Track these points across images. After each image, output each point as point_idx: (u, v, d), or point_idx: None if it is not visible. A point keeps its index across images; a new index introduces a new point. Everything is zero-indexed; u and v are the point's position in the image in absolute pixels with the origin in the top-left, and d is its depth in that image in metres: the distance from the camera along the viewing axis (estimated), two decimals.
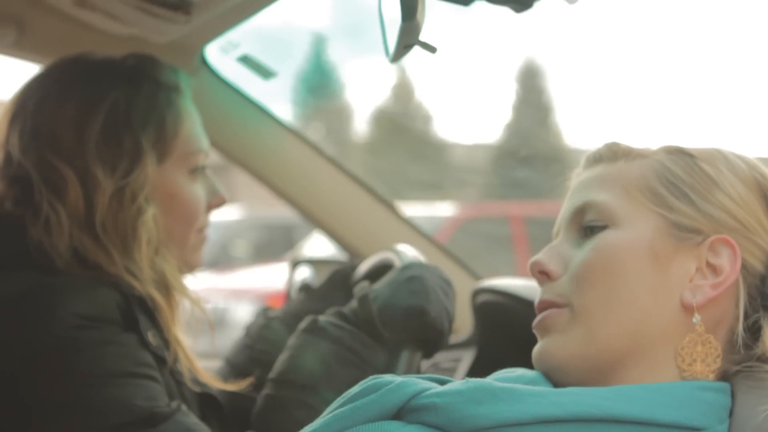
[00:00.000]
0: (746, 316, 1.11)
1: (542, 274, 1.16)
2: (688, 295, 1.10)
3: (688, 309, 1.10)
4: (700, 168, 1.15)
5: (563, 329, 1.12)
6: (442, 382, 1.13)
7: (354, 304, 1.57)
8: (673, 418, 1.03)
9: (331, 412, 1.11)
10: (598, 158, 1.20)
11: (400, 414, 1.07)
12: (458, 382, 1.10)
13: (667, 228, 1.12)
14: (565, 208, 1.21)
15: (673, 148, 1.17)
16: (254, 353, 1.80)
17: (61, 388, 1.39)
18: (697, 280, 1.11)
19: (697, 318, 1.10)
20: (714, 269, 1.11)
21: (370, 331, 1.53)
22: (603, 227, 1.13)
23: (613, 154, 1.19)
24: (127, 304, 1.48)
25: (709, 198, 1.13)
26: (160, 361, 1.50)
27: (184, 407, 1.46)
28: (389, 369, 1.53)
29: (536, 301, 1.17)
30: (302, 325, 1.58)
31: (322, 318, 1.57)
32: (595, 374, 1.10)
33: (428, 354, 1.58)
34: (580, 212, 1.16)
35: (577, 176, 1.22)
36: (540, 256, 1.16)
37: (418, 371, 1.56)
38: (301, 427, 1.45)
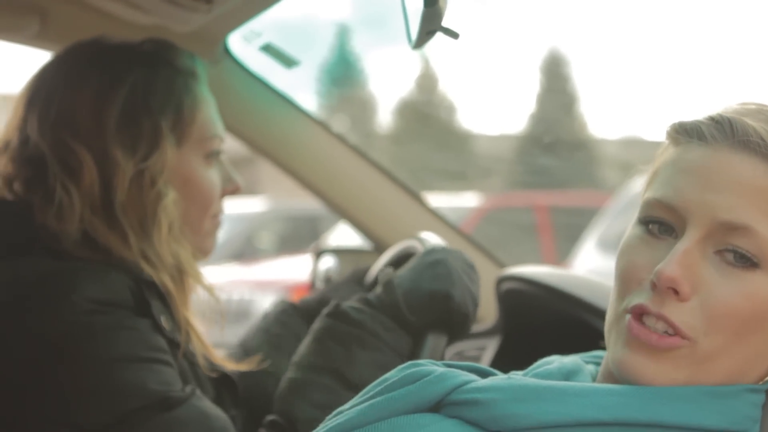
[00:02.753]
0: None
1: (670, 291, 1.00)
2: None
3: None
4: None
5: (676, 363, 1.01)
6: (483, 373, 1.11)
7: (378, 289, 1.58)
8: (718, 424, 1.01)
9: (366, 399, 1.09)
10: (766, 152, 1.01)
11: (438, 406, 1.05)
12: (501, 378, 1.07)
13: None
14: (704, 194, 1.02)
15: None
16: (269, 337, 1.80)
17: (75, 373, 1.40)
18: None
19: None
20: None
21: (394, 315, 1.53)
22: (754, 264, 1.00)
23: None
24: (138, 288, 1.48)
25: None
26: (174, 345, 1.50)
27: (198, 391, 1.47)
28: (414, 353, 1.53)
29: (632, 301, 1.03)
30: (325, 310, 1.58)
31: (345, 303, 1.57)
32: None
33: (453, 338, 1.58)
34: (731, 228, 1.00)
35: (726, 146, 1.02)
36: (675, 270, 0.99)
37: (443, 356, 1.56)
38: (323, 410, 1.45)
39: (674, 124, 1.07)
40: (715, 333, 1.00)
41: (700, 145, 1.04)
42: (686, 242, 1.01)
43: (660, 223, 1.05)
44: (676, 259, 1.00)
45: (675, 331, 1.00)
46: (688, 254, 1.00)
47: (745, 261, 1.00)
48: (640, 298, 1.02)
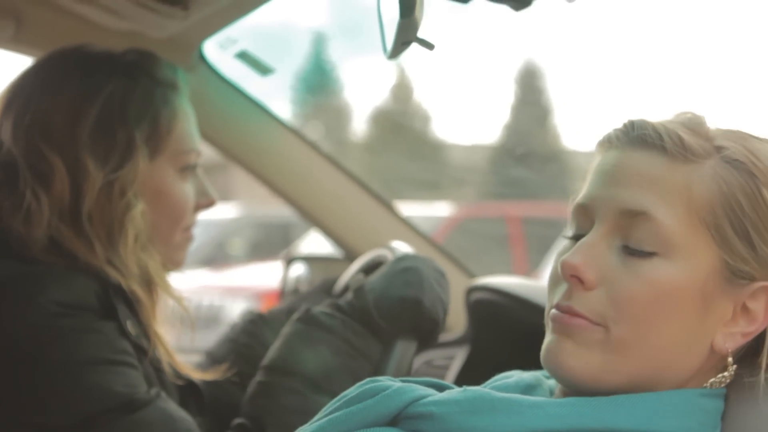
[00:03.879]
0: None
1: (575, 279, 1.05)
2: (720, 340, 1.07)
3: (717, 351, 1.07)
4: (764, 200, 1.05)
5: (590, 345, 1.04)
6: (441, 388, 1.13)
7: (349, 295, 1.58)
8: (671, 429, 1.03)
9: (326, 414, 1.10)
10: (660, 144, 1.07)
11: (395, 420, 1.07)
12: (456, 391, 1.09)
13: (722, 270, 1.05)
14: (608, 189, 1.07)
15: (733, 158, 1.06)
16: (236, 346, 1.81)
17: (40, 375, 1.40)
18: (731, 327, 1.07)
19: (732, 367, 1.08)
20: (748, 314, 1.07)
21: (365, 321, 1.55)
22: (652, 253, 1.04)
23: (680, 149, 1.06)
24: (105, 292, 1.49)
25: None
26: (140, 350, 1.51)
27: (163, 394, 1.47)
28: (383, 359, 1.54)
29: (554, 299, 1.08)
30: (296, 314, 1.58)
31: (317, 308, 1.58)
32: (607, 393, 1.05)
33: (423, 344, 1.59)
34: (631, 216, 1.05)
35: (628, 145, 1.08)
36: (577, 258, 1.05)
37: (412, 361, 1.57)
38: (291, 413, 1.46)
39: (599, 137, 1.14)
40: (624, 321, 1.04)
41: (610, 149, 1.10)
42: (591, 236, 1.07)
43: (580, 235, 1.10)
44: (578, 250, 1.06)
45: (584, 319, 1.05)
46: (592, 246, 1.06)
47: (643, 251, 1.04)
48: (557, 297, 1.08)
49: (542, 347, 1.08)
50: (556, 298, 1.08)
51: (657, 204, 1.04)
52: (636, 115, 1.11)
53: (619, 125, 1.11)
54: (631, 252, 1.05)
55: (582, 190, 1.12)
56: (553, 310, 1.07)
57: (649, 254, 1.04)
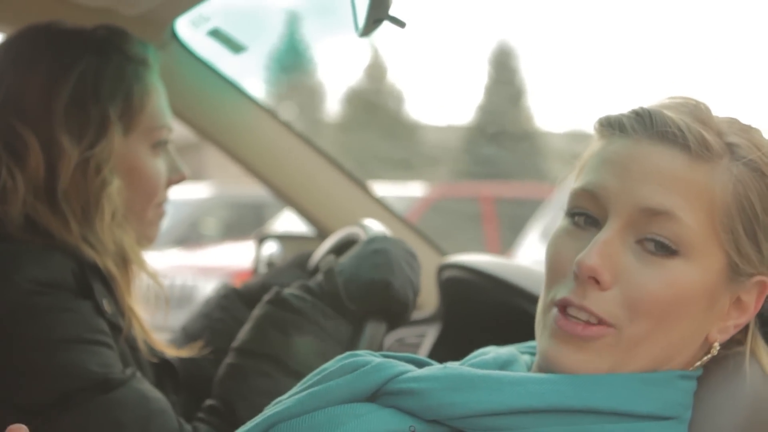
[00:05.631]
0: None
1: (591, 280, 1.03)
2: (715, 333, 1.08)
3: (709, 342, 1.09)
4: None
5: (600, 352, 1.04)
6: (420, 364, 1.13)
7: (319, 277, 1.59)
8: (650, 410, 1.03)
9: (304, 388, 1.10)
10: (683, 143, 1.04)
11: (375, 396, 1.07)
12: (436, 367, 1.10)
13: (728, 269, 1.06)
14: (624, 183, 1.05)
15: (746, 158, 1.06)
16: (210, 322, 1.81)
17: (15, 353, 1.40)
18: (726, 320, 1.09)
19: (716, 348, 1.10)
20: (740, 306, 1.09)
21: (334, 303, 1.55)
22: (673, 252, 1.03)
23: (703, 148, 1.04)
24: (81, 271, 1.48)
25: None
26: (115, 329, 1.51)
27: (138, 374, 1.47)
28: (353, 341, 1.54)
29: (557, 293, 1.06)
30: (266, 296, 1.59)
31: (286, 290, 1.58)
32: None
33: (393, 326, 1.60)
34: (652, 214, 1.03)
35: (646, 138, 1.06)
36: (595, 259, 1.02)
37: (381, 343, 1.57)
38: (262, 395, 1.46)
39: (600, 118, 1.11)
40: (639, 320, 1.03)
41: (622, 137, 1.07)
42: (607, 232, 1.04)
43: (585, 214, 1.08)
44: (596, 249, 1.03)
45: (598, 321, 1.03)
46: (608, 244, 1.03)
47: (665, 249, 1.03)
48: (564, 291, 1.05)
49: (543, 347, 1.07)
50: (561, 292, 1.06)
51: (681, 205, 1.03)
52: (642, 102, 1.09)
53: (630, 112, 1.08)
54: (650, 250, 1.04)
55: (585, 174, 1.09)
56: (557, 312, 1.06)
57: (670, 254, 1.03)
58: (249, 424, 1.09)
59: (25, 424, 1.36)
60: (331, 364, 1.12)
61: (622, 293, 1.03)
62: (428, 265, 2.01)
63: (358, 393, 1.07)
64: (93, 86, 1.56)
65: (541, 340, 1.08)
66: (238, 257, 7.33)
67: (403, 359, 1.13)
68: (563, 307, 1.06)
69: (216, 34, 2.03)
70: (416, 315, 2.12)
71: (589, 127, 1.14)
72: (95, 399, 1.40)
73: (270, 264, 2.18)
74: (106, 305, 1.49)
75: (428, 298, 2.14)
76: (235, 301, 1.83)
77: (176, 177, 1.69)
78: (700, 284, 1.04)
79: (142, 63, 1.62)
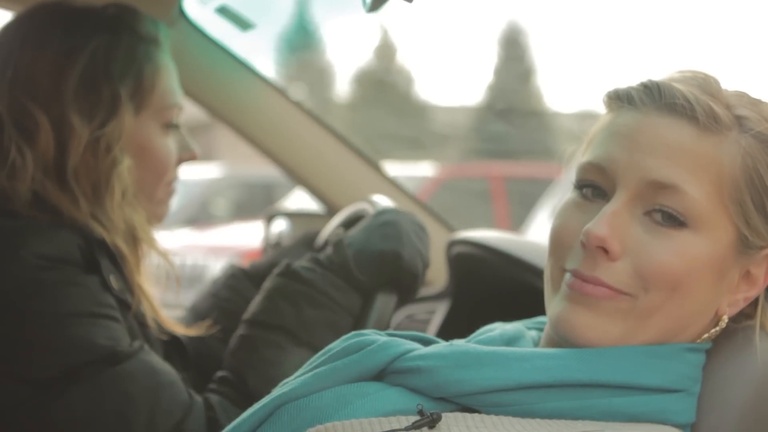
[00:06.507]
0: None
1: (600, 250, 1.03)
2: (725, 307, 1.08)
3: (719, 315, 1.09)
4: None
5: (612, 315, 1.04)
6: (426, 342, 1.13)
7: (329, 250, 1.59)
8: (658, 383, 1.03)
9: (311, 369, 1.11)
10: (691, 114, 1.04)
11: (381, 375, 1.07)
12: (442, 345, 1.09)
13: (737, 242, 1.06)
14: (632, 155, 1.05)
15: (755, 130, 1.06)
16: (218, 301, 1.82)
17: (23, 328, 1.41)
18: (735, 293, 1.09)
19: (724, 322, 1.09)
20: (749, 279, 1.09)
21: (344, 275, 1.56)
22: (681, 224, 1.03)
23: (711, 120, 1.04)
24: (88, 246, 1.49)
25: None
26: (123, 305, 1.51)
27: (146, 346, 1.48)
28: (364, 313, 1.55)
29: (565, 263, 1.07)
30: (276, 269, 1.59)
31: (297, 262, 1.59)
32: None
33: (403, 298, 1.60)
34: (659, 187, 1.03)
35: (654, 110, 1.06)
36: (603, 229, 1.02)
37: (392, 315, 1.58)
38: (272, 366, 1.47)
39: (609, 91, 1.11)
40: (650, 291, 1.03)
41: (631, 110, 1.07)
42: (615, 203, 1.04)
43: (593, 186, 1.08)
44: (604, 219, 1.03)
45: (610, 289, 1.03)
46: (616, 215, 1.03)
47: (673, 220, 1.03)
48: (573, 263, 1.05)
49: (554, 311, 1.07)
50: (570, 264, 1.06)
51: (687, 178, 1.02)
52: (652, 75, 1.09)
53: (638, 85, 1.08)
54: (658, 221, 1.04)
55: (593, 148, 1.09)
56: (570, 276, 1.06)
57: (678, 225, 1.03)
58: (256, 406, 1.09)
59: (34, 398, 1.38)
60: (336, 345, 1.12)
61: (632, 264, 1.03)
62: (437, 242, 2.01)
63: (365, 372, 1.07)
64: (104, 65, 1.56)
65: (552, 305, 1.08)
66: (248, 237, 7.35)
67: (409, 337, 1.13)
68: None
69: (224, 11, 2.03)
70: (426, 291, 2.13)
71: (598, 107, 1.14)
72: (104, 372, 1.40)
73: (277, 244, 2.18)
74: (113, 281, 1.50)
75: (438, 275, 2.15)
76: (243, 280, 1.84)
77: (186, 156, 1.69)
78: (708, 256, 1.04)
79: (153, 42, 1.62)
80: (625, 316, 1.04)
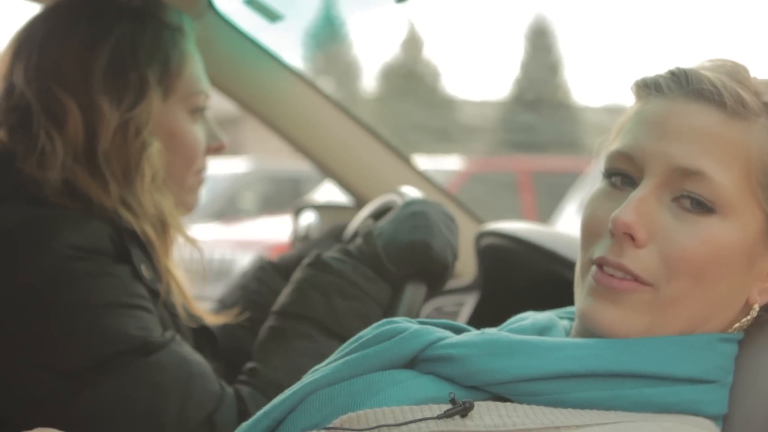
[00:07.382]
0: None
1: (627, 236, 1.02)
2: (755, 295, 1.08)
3: (750, 305, 1.08)
4: None
5: (637, 308, 1.03)
6: (458, 330, 1.13)
7: (359, 240, 1.59)
8: (689, 373, 1.03)
9: (342, 356, 1.11)
10: (719, 100, 1.04)
11: (413, 363, 1.07)
12: (474, 333, 1.09)
13: (766, 228, 1.05)
14: (659, 142, 1.04)
15: None
16: (247, 293, 1.82)
17: (55, 318, 1.41)
18: (765, 282, 1.08)
19: (755, 311, 1.09)
20: None
21: (374, 265, 1.56)
22: (710, 210, 1.02)
23: (739, 106, 1.04)
24: (119, 236, 1.49)
25: None
26: (154, 293, 1.52)
27: (178, 337, 1.48)
28: (393, 303, 1.55)
29: (594, 252, 1.06)
30: (306, 260, 1.60)
31: (327, 253, 1.59)
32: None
33: (433, 288, 1.60)
34: (686, 173, 1.02)
35: (681, 97, 1.05)
36: (630, 215, 1.01)
37: (421, 305, 1.57)
38: (302, 357, 1.46)
39: (637, 80, 1.10)
40: (677, 279, 1.02)
41: (658, 97, 1.07)
42: (642, 190, 1.03)
43: (621, 174, 1.07)
44: (631, 206, 1.02)
45: (634, 278, 1.03)
46: (643, 201, 1.03)
47: (701, 207, 1.02)
48: (601, 250, 1.05)
49: (580, 306, 1.07)
50: (598, 252, 1.05)
51: (715, 165, 1.02)
52: (681, 63, 1.08)
53: (666, 72, 1.08)
54: (686, 207, 1.03)
55: (621, 136, 1.09)
56: (595, 269, 1.05)
57: (706, 212, 1.02)
58: (287, 392, 1.09)
59: (65, 389, 1.38)
60: (368, 332, 1.12)
61: (659, 251, 1.03)
62: (466, 235, 2.00)
63: (396, 360, 1.07)
64: (130, 51, 1.57)
65: (579, 300, 1.08)
66: (276, 231, 7.37)
67: (440, 325, 1.13)
68: (600, 266, 1.05)
69: (252, 2, 2.03)
70: (454, 283, 2.12)
71: (626, 101, 1.14)
72: (135, 362, 1.41)
73: (306, 236, 2.18)
74: (144, 270, 1.50)
75: (466, 267, 2.14)
76: (271, 272, 1.84)
77: (215, 144, 1.70)
78: (737, 243, 1.03)
79: (177, 30, 1.63)
80: (649, 308, 1.03)
